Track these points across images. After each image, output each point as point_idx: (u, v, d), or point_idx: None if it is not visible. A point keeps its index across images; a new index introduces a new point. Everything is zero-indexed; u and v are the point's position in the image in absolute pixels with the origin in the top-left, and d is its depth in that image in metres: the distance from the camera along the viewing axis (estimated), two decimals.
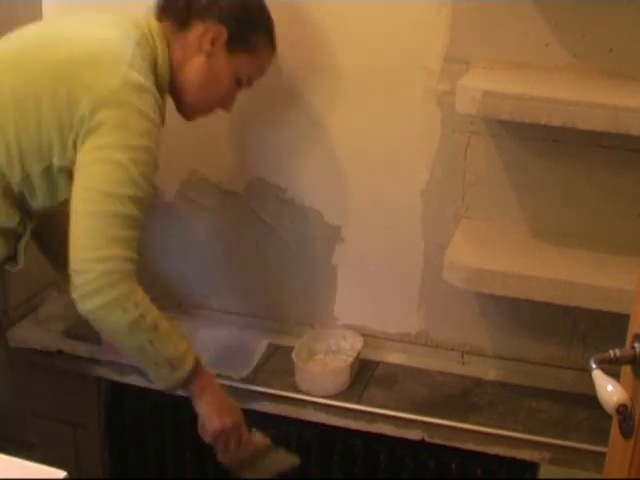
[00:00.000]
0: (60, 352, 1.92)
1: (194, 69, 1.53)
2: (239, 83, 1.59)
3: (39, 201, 1.46)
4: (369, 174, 1.84)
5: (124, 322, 1.36)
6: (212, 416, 1.53)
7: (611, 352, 1.01)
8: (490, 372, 1.88)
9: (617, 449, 1.06)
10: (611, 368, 1.00)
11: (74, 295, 1.36)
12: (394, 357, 1.95)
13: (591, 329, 1.79)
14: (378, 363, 1.93)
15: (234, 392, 1.83)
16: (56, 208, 1.49)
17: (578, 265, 1.62)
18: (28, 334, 1.95)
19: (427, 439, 1.73)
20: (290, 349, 1.86)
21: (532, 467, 1.70)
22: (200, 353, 1.91)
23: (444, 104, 1.72)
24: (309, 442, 1.84)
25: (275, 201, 1.93)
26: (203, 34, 1.51)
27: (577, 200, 1.72)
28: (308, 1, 1.75)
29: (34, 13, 1.91)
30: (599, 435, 1.59)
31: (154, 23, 1.53)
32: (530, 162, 1.72)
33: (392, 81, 1.75)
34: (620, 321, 1.13)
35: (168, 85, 1.53)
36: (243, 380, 1.83)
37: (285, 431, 1.85)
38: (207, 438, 1.56)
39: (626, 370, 1.03)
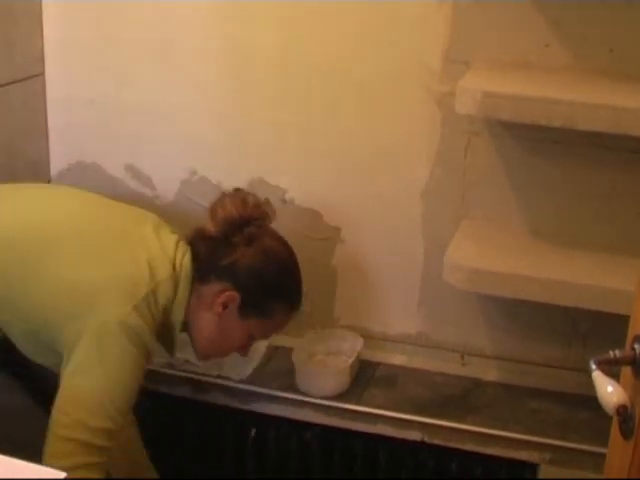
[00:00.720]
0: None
1: (205, 324, 1.50)
2: (252, 338, 1.56)
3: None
4: (369, 174, 1.84)
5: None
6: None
7: (611, 353, 1.01)
8: (490, 373, 1.88)
9: (617, 450, 1.06)
10: (611, 369, 1.00)
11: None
12: (394, 358, 1.94)
13: (591, 330, 1.78)
14: (378, 364, 1.93)
15: (234, 393, 1.84)
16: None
17: (578, 266, 1.62)
18: None
19: (427, 440, 1.73)
20: (290, 350, 1.86)
21: (532, 468, 1.70)
22: None
23: (444, 104, 1.72)
24: (309, 443, 1.84)
25: (275, 201, 1.93)
26: (217, 294, 1.47)
27: (577, 200, 1.72)
28: (308, 1, 1.75)
29: (34, 13, 1.91)
30: (599, 436, 1.58)
31: (189, 259, 1.47)
32: (530, 162, 1.72)
33: (392, 81, 1.75)
34: (620, 322, 1.13)
35: (182, 324, 1.50)
36: (243, 381, 1.83)
37: (285, 432, 1.85)
38: None
39: (626, 371, 1.03)
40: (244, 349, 1.58)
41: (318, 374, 1.84)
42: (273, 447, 1.87)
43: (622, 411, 0.96)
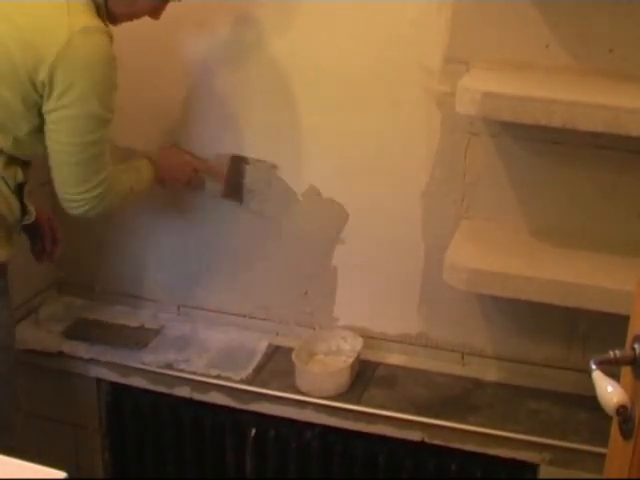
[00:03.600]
0: (60, 353, 1.92)
1: None
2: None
3: (33, 153, 1.60)
4: (369, 175, 1.84)
5: (113, 209, 1.68)
6: (172, 179, 1.88)
7: (611, 353, 1.01)
8: (490, 373, 1.88)
9: (617, 450, 1.06)
10: (611, 369, 1.00)
11: (71, 213, 1.60)
12: (394, 358, 1.95)
13: (591, 330, 1.78)
14: (378, 364, 1.93)
15: (234, 393, 1.84)
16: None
17: (578, 266, 1.62)
18: (28, 335, 1.95)
19: (427, 440, 1.73)
20: (290, 350, 1.86)
21: (532, 468, 1.70)
22: (200, 354, 1.93)
23: (444, 105, 1.72)
24: (309, 443, 1.84)
25: (275, 202, 1.93)
26: None
27: (577, 201, 1.72)
28: (308, 1, 1.75)
29: None
30: (599, 436, 1.58)
31: None
32: (530, 163, 1.72)
33: (392, 82, 1.75)
34: (620, 322, 1.13)
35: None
36: (243, 381, 1.83)
37: (285, 432, 1.85)
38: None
39: (626, 371, 1.03)
40: (156, 13, 1.64)
41: (318, 374, 1.84)
42: (273, 447, 1.87)
43: (622, 411, 0.96)
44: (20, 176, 1.58)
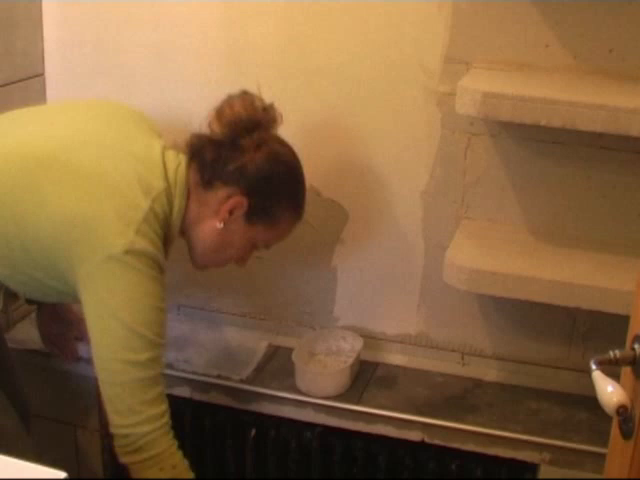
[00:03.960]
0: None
1: (208, 232, 1.47)
2: (254, 247, 1.53)
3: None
4: (369, 175, 1.84)
5: (159, 475, 1.41)
6: None
7: (611, 353, 1.01)
8: (490, 373, 1.88)
9: (617, 450, 1.06)
10: (611, 369, 1.00)
11: (117, 449, 1.40)
12: (394, 358, 1.95)
13: (591, 330, 1.78)
14: (378, 364, 1.93)
15: (234, 393, 1.84)
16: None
17: (578, 266, 1.62)
18: (28, 335, 1.95)
19: (427, 440, 1.73)
20: (290, 350, 1.86)
21: (532, 468, 1.70)
22: (200, 354, 1.93)
23: (444, 105, 1.72)
24: (309, 443, 1.84)
25: None
26: (223, 201, 1.44)
27: (577, 201, 1.72)
28: (308, 1, 1.75)
29: (34, 13, 1.91)
30: (599, 436, 1.59)
31: (184, 168, 1.44)
32: (530, 163, 1.72)
33: (392, 82, 1.75)
34: (620, 322, 1.13)
35: (179, 232, 1.48)
36: (243, 381, 1.83)
37: (285, 432, 1.85)
38: None
39: (626, 371, 1.03)
40: (244, 259, 1.55)
41: (318, 374, 1.84)
42: (273, 447, 1.87)
43: (622, 411, 0.96)
44: None
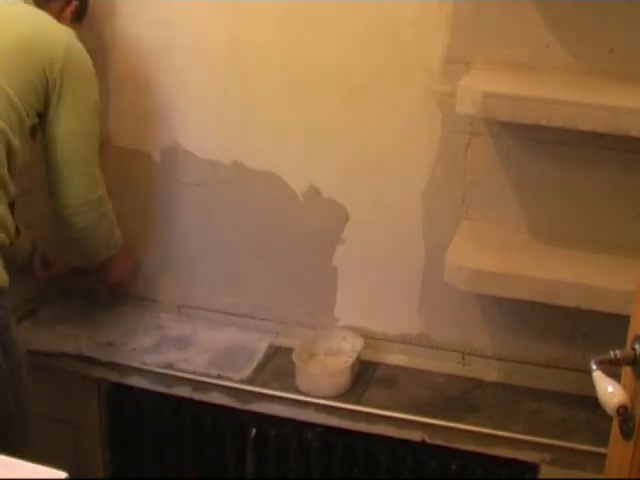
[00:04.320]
0: (60, 353, 1.92)
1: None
2: None
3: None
4: (370, 175, 1.84)
5: (107, 225, 1.80)
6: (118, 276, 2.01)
7: (611, 353, 1.01)
8: (491, 373, 1.88)
9: (617, 450, 1.06)
10: (611, 369, 1.00)
11: (74, 224, 1.72)
12: (394, 358, 1.94)
13: (591, 330, 1.78)
14: (378, 364, 1.93)
15: (234, 393, 1.84)
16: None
17: (578, 266, 1.62)
18: (28, 335, 1.95)
19: (428, 440, 1.73)
20: (290, 350, 1.86)
21: (532, 468, 1.70)
22: (200, 354, 1.93)
23: (444, 105, 1.72)
24: (309, 443, 1.84)
25: (276, 203, 1.93)
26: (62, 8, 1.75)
27: (577, 201, 1.72)
28: (308, 1, 1.75)
29: None
30: (599, 436, 1.59)
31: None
32: (530, 163, 1.72)
33: (392, 82, 1.75)
34: (620, 322, 1.13)
35: None
36: (243, 381, 1.83)
37: (285, 432, 1.85)
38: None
39: (627, 371, 1.03)
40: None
41: (318, 374, 1.84)
42: (273, 447, 1.87)
43: (622, 411, 0.96)
44: (13, 192, 1.59)
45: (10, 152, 1.55)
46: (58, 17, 1.71)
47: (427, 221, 1.83)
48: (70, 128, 1.63)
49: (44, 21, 1.64)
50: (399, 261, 1.88)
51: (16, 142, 1.55)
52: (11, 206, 1.60)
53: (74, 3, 1.77)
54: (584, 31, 1.60)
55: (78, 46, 1.66)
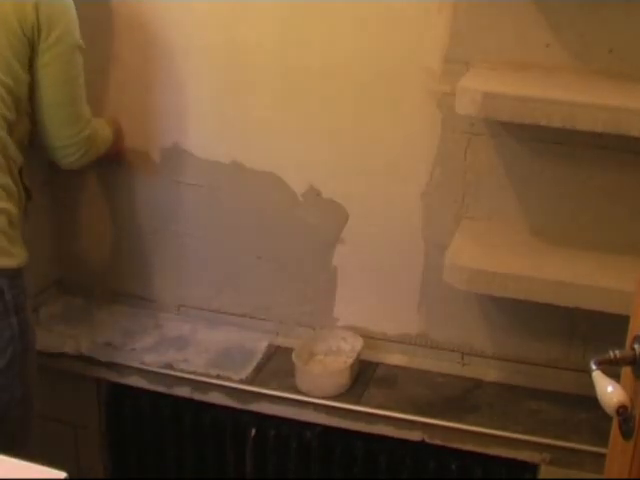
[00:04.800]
0: (60, 353, 1.92)
1: None
2: None
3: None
4: (369, 175, 1.84)
5: (96, 153, 1.78)
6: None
7: (611, 353, 1.01)
8: (490, 373, 1.88)
9: (617, 450, 1.06)
10: (611, 369, 1.00)
11: (67, 162, 1.72)
12: (394, 358, 1.94)
13: (591, 330, 1.78)
14: (378, 364, 1.93)
15: (234, 393, 1.84)
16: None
17: (578, 266, 1.62)
18: None
19: (427, 440, 1.73)
20: (290, 350, 1.86)
21: (532, 468, 1.70)
22: (200, 354, 1.93)
23: (444, 105, 1.72)
24: (309, 443, 1.84)
25: (276, 203, 1.93)
26: None
27: (577, 201, 1.72)
28: (308, 1, 1.75)
29: None
30: (599, 436, 1.59)
31: None
32: (530, 163, 1.72)
33: (392, 82, 1.75)
34: (620, 322, 1.13)
35: None
36: (243, 381, 1.83)
37: (285, 432, 1.85)
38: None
39: (626, 371, 1.03)
40: None
41: (318, 374, 1.84)
42: (273, 447, 1.87)
43: (622, 411, 0.96)
44: (20, 159, 1.61)
45: (9, 122, 1.56)
46: None
47: (427, 221, 1.83)
48: (51, 76, 1.60)
49: None
50: (399, 261, 1.88)
51: (13, 114, 1.56)
52: (20, 173, 1.62)
53: None
54: (584, 31, 1.60)
55: None
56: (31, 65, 1.59)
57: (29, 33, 1.55)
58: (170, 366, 1.89)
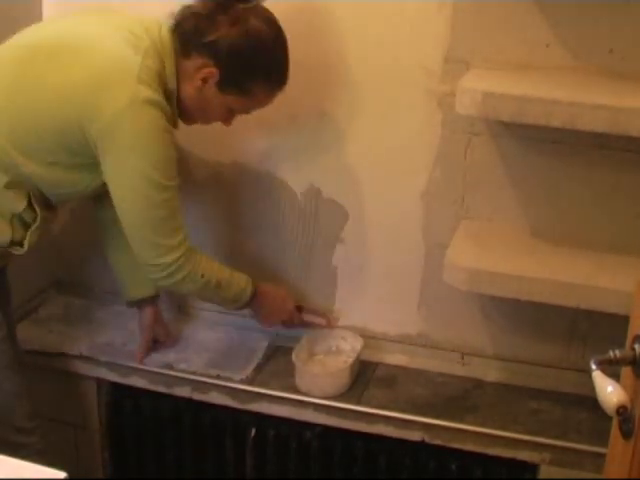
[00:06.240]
0: (60, 353, 1.92)
1: (188, 94, 1.58)
2: (232, 112, 1.64)
3: (51, 189, 1.58)
4: (369, 175, 1.84)
5: (195, 290, 1.68)
6: (267, 319, 1.89)
7: (611, 353, 1.01)
8: (490, 373, 1.88)
9: (617, 450, 1.06)
10: (611, 369, 1.00)
11: (152, 280, 1.66)
12: (394, 358, 1.95)
13: (591, 330, 1.78)
14: (378, 364, 1.93)
15: (234, 393, 1.84)
16: (75, 196, 1.68)
17: (578, 266, 1.62)
18: (28, 335, 1.95)
19: (427, 440, 1.73)
20: (290, 350, 1.86)
21: (532, 468, 1.70)
22: (200, 354, 1.93)
23: (444, 105, 1.72)
24: (309, 443, 1.84)
25: (276, 203, 1.93)
26: (198, 69, 1.55)
27: (577, 201, 1.72)
28: (308, 1, 1.75)
29: (34, 13, 1.91)
30: (599, 436, 1.59)
31: (166, 32, 1.55)
32: (530, 163, 1.72)
33: (392, 82, 1.75)
34: (620, 322, 1.13)
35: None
36: (243, 381, 1.83)
37: (285, 432, 1.85)
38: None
39: (626, 371, 1.03)
40: (226, 121, 1.66)
41: (318, 374, 1.84)
42: (273, 447, 1.87)
43: (622, 411, 0.96)
44: (19, 207, 1.56)
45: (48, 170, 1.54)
46: (191, 78, 1.56)
47: (427, 221, 1.83)
48: (117, 196, 1.54)
49: (107, 69, 1.47)
50: (399, 261, 1.88)
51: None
52: (22, 220, 1.58)
53: (210, 68, 1.54)
54: (584, 31, 1.60)
55: (139, 115, 1.46)
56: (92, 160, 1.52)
57: (92, 145, 1.49)
58: (170, 366, 1.89)
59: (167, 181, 1.52)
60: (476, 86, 1.52)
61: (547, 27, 1.61)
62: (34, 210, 1.58)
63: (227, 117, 1.64)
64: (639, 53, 1.58)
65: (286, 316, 1.89)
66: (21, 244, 1.60)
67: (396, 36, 1.71)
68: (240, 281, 1.74)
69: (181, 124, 1.65)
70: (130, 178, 1.51)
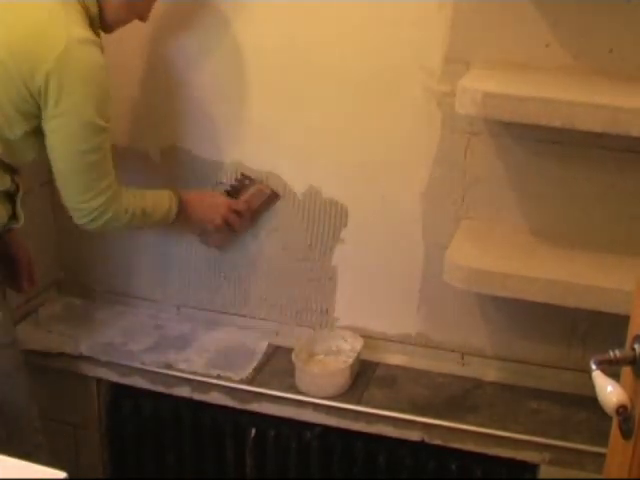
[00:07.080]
0: (60, 353, 1.92)
1: (114, 4, 1.60)
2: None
3: (23, 158, 1.62)
4: (369, 175, 1.84)
5: (121, 226, 1.69)
6: (205, 222, 1.88)
7: (611, 353, 1.01)
8: (490, 373, 1.88)
9: (617, 450, 1.06)
10: (611, 369, 1.00)
11: (78, 224, 1.65)
12: (394, 358, 1.94)
13: (591, 330, 1.78)
14: (378, 364, 1.93)
15: (234, 393, 1.84)
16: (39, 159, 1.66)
17: (578, 266, 1.62)
18: (28, 335, 1.95)
19: (427, 440, 1.73)
20: (290, 350, 1.86)
21: (532, 468, 1.70)
22: (200, 354, 1.93)
23: (444, 105, 1.72)
24: (309, 443, 1.84)
25: (276, 203, 1.93)
26: None
27: (577, 201, 1.72)
28: (308, 1, 1.75)
29: None
30: (599, 436, 1.59)
31: None
32: (530, 163, 1.72)
33: (392, 82, 1.75)
34: (620, 322, 1.13)
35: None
36: (243, 381, 1.83)
37: (285, 432, 1.85)
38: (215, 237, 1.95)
39: (626, 371, 1.03)
40: (148, 12, 1.68)
41: (318, 374, 1.84)
42: (273, 447, 1.87)
43: (622, 411, 0.96)
44: (6, 182, 1.59)
45: (6, 147, 1.56)
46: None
47: (427, 221, 1.83)
48: (56, 143, 1.55)
49: (39, 20, 1.51)
50: (399, 261, 1.88)
51: (12, 138, 1.55)
52: (9, 195, 1.61)
53: None
54: (584, 31, 1.60)
55: (79, 56, 1.49)
56: (40, 121, 1.54)
57: (36, 95, 1.49)
58: (170, 366, 1.89)
59: (104, 122, 1.55)
60: (476, 86, 1.52)
61: (547, 27, 1.62)
62: (14, 181, 1.62)
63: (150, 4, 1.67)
64: (639, 53, 1.58)
65: (223, 209, 1.86)
66: (15, 218, 1.64)
67: (396, 36, 1.71)
68: (163, 201, 1.75)
69: None
70: (69, 122, 1.52)
